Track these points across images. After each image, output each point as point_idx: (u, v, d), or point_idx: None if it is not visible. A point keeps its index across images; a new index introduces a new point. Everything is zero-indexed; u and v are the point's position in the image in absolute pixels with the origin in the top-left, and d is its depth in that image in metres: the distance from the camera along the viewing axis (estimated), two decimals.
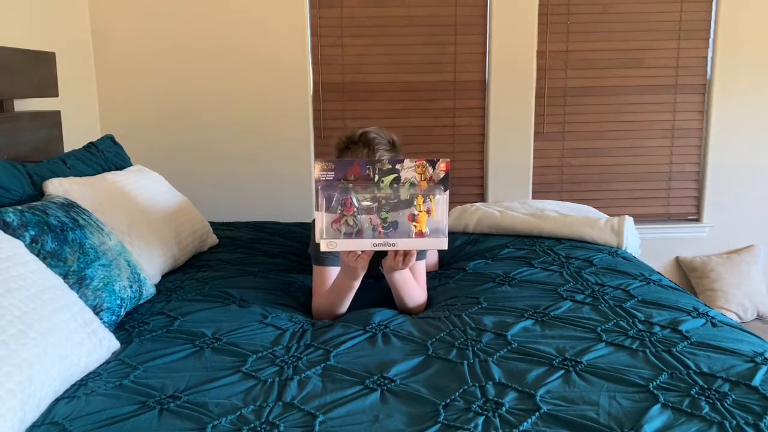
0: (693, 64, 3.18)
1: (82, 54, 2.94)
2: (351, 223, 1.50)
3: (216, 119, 3.10)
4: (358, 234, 1.49)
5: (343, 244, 1.49)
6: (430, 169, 1.54)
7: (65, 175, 1.92)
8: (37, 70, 2.32)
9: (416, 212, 1.51)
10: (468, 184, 3.25)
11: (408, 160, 1.54)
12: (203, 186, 3.11)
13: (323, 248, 1.48)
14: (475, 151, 3.22)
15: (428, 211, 1.52)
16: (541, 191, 3.27)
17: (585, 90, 3.20)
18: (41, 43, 2.50)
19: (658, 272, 1.95)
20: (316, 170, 1.51)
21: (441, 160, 1.54)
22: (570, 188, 3.28)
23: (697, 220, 3.35)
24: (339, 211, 1.50)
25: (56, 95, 2.45)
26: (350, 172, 1.52)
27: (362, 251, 1.54)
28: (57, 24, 2.70)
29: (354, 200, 1.50)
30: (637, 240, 2.31)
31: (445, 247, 1.52)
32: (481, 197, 3.26)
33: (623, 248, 2.20)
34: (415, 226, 1.51)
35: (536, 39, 3.11)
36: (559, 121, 3.22)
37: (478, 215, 2.40)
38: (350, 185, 1.51)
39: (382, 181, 1.52)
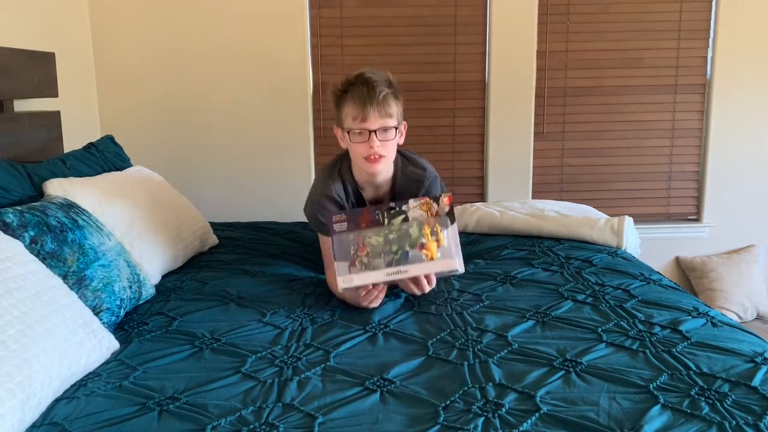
0: (693, 64, 3.18)
1: (82, 54, 2.94)
2: (365, 261, 1.56)
3: (216, 119, 3.10)
4: (375, 268, 1.56)
5: (358, 278, 1.55)
6: (435, 205, 1.61)
7: (65, 176, 1.92)
8: (37, 70, 2.32)
9: (425, 241, 1.56)
10: (468, 184, 3.25)
11: (412, 200, 1.61)
12: (203, 186, 3.11)
13: (341, 286, 1.55)
14: (475, 151, 3.22)
15: (437, 241, 1.57)
16: (541, 191, 3.27)
17: (585, 90, 3.20)
18: (41, 43, 2.50)
19: (657, 272, 1.95)
20: (332, 223, 1.58)
21: (443, 194, 1.61)
22: (570, 188, 3.28)
23: (697, 220, 3.35)
24: (353, 253, 1.57)
25: (56, 95, 2.45)
26: (362, 221, 1.59)
27: (376, 290, 1.60)
28: (57, 24, 2.70)
29: (367, 242, 1.57)
30: (637, 240, 2.31)
31: (457, 268, 1.58)
32: (481, 197, 3.26)
33: (623, 248, 2.20)
34: (425, 254, 1.57)
35: (536, 39, 3.11)
36: (559, 121, 3.22)
37: (477, 215, 2.40)
38: (362, 231, 1.59)
39: (392, 224, 1.58)
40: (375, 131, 1.68)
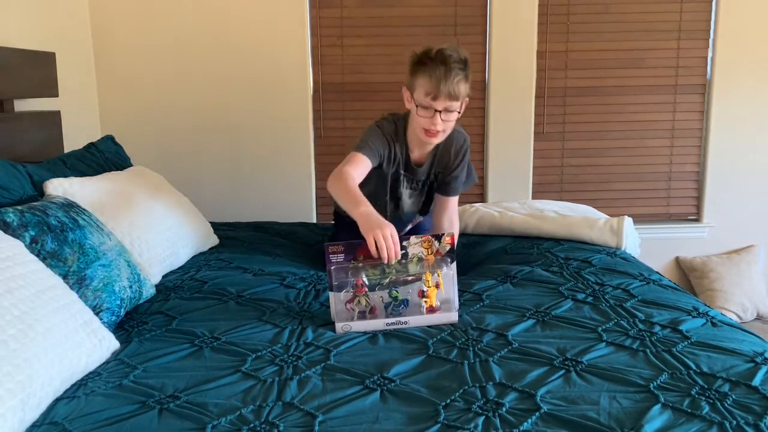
0: (693, 64, 3.18)
1: (82, 54, 2.94)
2: (364, 303, 1.56)
3: (216, 119, 3.10)
4: (372, 312, 1.56)
5: (357, 326, 1.55)
6: (436, 243, 1.61)
7: (65, 176, 1.92)
8: (37, 70, 2.32)
9: (425, 288, 1.57)
10: None
11: (414, 237, 1.60)
12: (203, 186, 3.11)
13: (338, 332, 1.53)
14: (475, 151, 3.22)
15: (437, 285, 1.58)
16: (541, 191, 3.27)
17: (585, 90, 3.20)
18: (41, 43, 2.50)
19: (657, 272, 1.95)
20: (328, 253, 1.56)
21: (446, 234, 1.61)
22: (570, 188, 3.28)
23: (697, 220, 3.35)
24: (351, 292, 1.56)
25: (56, 95, 2.45)
26: (359, 253, 1.58)
27: (391, 247, 1.54)
28: (57, 24, 2.70)
29: (364, 280, 1.57)
30: (637, 240, 2.31)
31: (455, 320, 1.57)
32: (481, 197, 3.26)
33: (622, 248, 2.20)
34: (425, 301, 1.57)
35: (536, 39, 3.11)
36: (559, 121, 3.22)
37: (477, 216, 2.40)
38: (360, 264, 1.57)
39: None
40: (440, 111, 1.78)
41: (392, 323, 1.55)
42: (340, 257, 1.57)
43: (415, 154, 1.97)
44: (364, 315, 1.55)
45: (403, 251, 1.58)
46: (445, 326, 1.55)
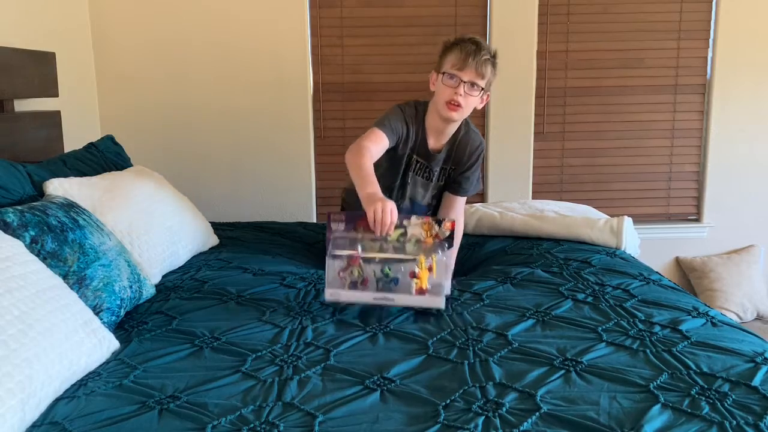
0: (693, 64, 3.18)
1: (82, 54, 2.94)
2: (356, 273, 1.59)
3: (216, 119, 3.10)
4: (363, 283, 1.58)
5: (345, 296, 1.59)
6: (436, 227, 1.63)
7: (65, 176, 1.92)
8: (37, 70, 2.32)
9: (417, 270, 1.59)
10: None
11: (415, 217, 1.63)
12: (203, 186, 3.11)
13: (327, 298, 1.58)
14: None
15: (430, 269, 1.59)
16: (541, 191, 3.27)
17: (585, 90, 3.20)
18: (41, 43, 2.50)
19: (657, 272, 1.96)
20: (330, 221, 1.61)
21: (447, 219, 1.64)
22: (570, 188, 3.28)
23: (697, 220, 3.35)
24: (346, 261, 1.59)
25: (56, 95, 2.45)
26: (360, 223, 1.60)
27: (388, 220, 1.57)
28: (57, 24, 2.70)
29: (360, 252, 1.59)
30: (637, 240, 2.31)
31: (441, 306, 1.59)
32: (481, 197, 3.26)
33: (622, 249, 2.20)
34: (416, 282, 1.59)
35: (536, 39, 3.11)
36: (559, 121, 3.22)
37: (477, 216, 2.40)
38: (359, 236, 1.60)
39: (390, 235, 1.59)
40: (465, 83, 1.85)
41: (380, 298, 1.58)
42: (341, 226, 1.61)
43: (432, 141, 2.00)
44: (356, 285, 1.58)
45: (403, 230, 1.60)
46: (434, 311, 1.57)
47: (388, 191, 1.96)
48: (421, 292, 1.58)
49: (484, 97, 1.93)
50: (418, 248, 1.61)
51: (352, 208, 2.09)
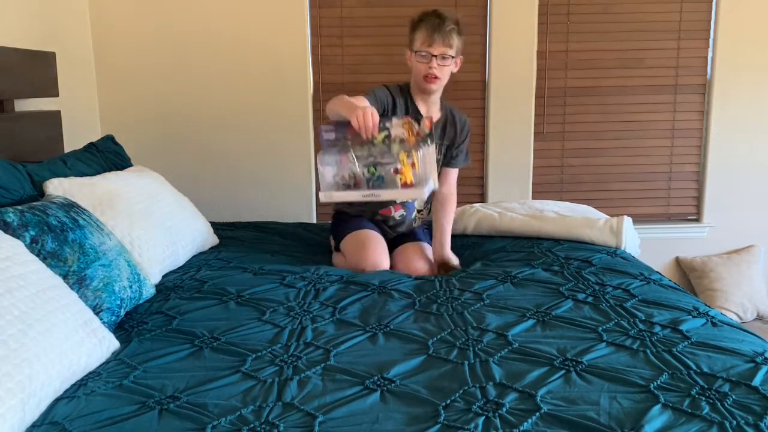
0: (693, 64, 3.18)
1: (82, 54, 2.94)
2: (347, 176, 1.75)
3: (216, 119, 3.10)
4: (356, 185, 1.74)
5: (337, 196, 1.77)
6: (416, 126, 1.79)
7: (65, 175, 1.92)
8: (37, 70, 2.32)
9: (400, 166, 1.75)
10: (468, 184, 3.24)
11: (395, 118, 1.81)
12: (203, 186, 3.11)
13: (322, 200, 1.76)
14: (475, 151, 3.21)
15: (413, 165, 1.74)
16: (541, 191, 3.27)
17: (585, 90, 3.20)
18: (41, 43, 2.50)
19: (657, 272, 1.96)
20: (321, 131, 1.77)
21: (425, 117, 1.81)
22: (570, 188, 3.28)
23: (697, 220, 3.35)
24: (336, 167, 1.75)
25: (56, 95, 2.45)
26: (348, 131, 1.76)
27: (369, 124, 1.73)
28: (57, 24, 2.70)
29: (351, 156, 1.75)
30: (637, 240, 2.31)
31: (424, 197, 1.80)
32: (481, 197, 3.25)
33: (622, 248, 2.20)
34: (400, 178, 1.75)
35: (536, 39, 3.11)
36: (559, 121, 3.22)
37: (477, 217, 2.39)
38: (348, 143, 1.76)
39: (376, 138, 1.76)
40: (436, 56, 2.03)
41: (368, 195, 1.75)
42: (332, 135, 1.77)
43: (424, 110, 2.16)
44: (349, 187, 1.73)
45: (386, 132, 1.77)
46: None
47: None
48: (405, 186, 1.73)
49: (458, 61, 2.11)
50: (403, 147, 1.76)
51: (342, 225, 2.21)
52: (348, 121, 1.73)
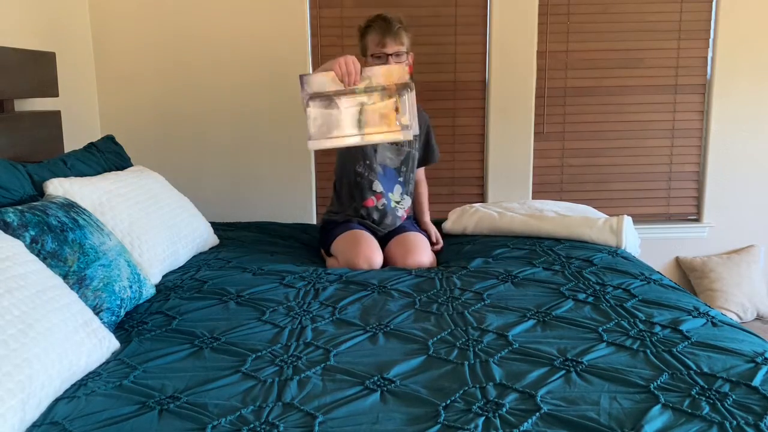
0: (693, 64, 3.18)
1: (82, 54, 2.94)
2: (332, 124, 1.88)
3: (216, 119, 3.10)
4: (342, 132, 1.88)
5: (325, 143, 1.90)
6: (396, 74, 1.92)
7: (65, 175, 1.92)
8: (37, 70, 2.32)
9: (384, 111, 1.87)
10: (468, 184, 3.25)
11: (376, 67, 1.94)
12: (203, 186, 3.11)
13: (310, 148, 1.89)
14: (475, 151, 3.22)
15: (396, 110, 1.87)
16: (541, 191, 3.27)
17: (585, 90, 3.20)
18: (41, 43, 2.50)
19: (658, 272, 1.95)
20: (303, 83, 1.89)
21: (404, 64, 1.95)
22: (570, 188, 3.28)
23: (697, 220, 3.35)
24: (322, 115, 1.87)
25: (56, 95, 2.45)
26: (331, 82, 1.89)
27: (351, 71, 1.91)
28: (57, 24, 2.70)
29: (335, 105, 1.88)
30: (637, 239, 2.31)
31: (408, 138, 1.95)
32: (481, 197, 3.25)
33: (622, 248, 2.20)
34: (384, 122, 1.87)
35: (536, 39, 3.11)
36: (559, 121, 3.22)
37: (476, 217, 2.40)
38: (331, 92, 1.88)
39: (358, 88, 1.88)
40: (391, 55, 2.14)
41: (354, 140, 1.90)
42: (314, 87, 1.89)
43: None
44: (334, 136, 1.87)
45: (368, 80, 1.90)
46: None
47: (359, 159, 2.24)
48: (390, 129, 1.86)
49: (410, 57, 2.23)
50: (384, 93, 1.88)
51: (331, 232, 2.25)
52: (330, 72, 1.89)
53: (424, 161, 2.44)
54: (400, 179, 2.31)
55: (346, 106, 1.86)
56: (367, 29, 2.21)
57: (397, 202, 2.31)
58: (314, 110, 1.86)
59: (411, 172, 2.34)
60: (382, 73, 1.91)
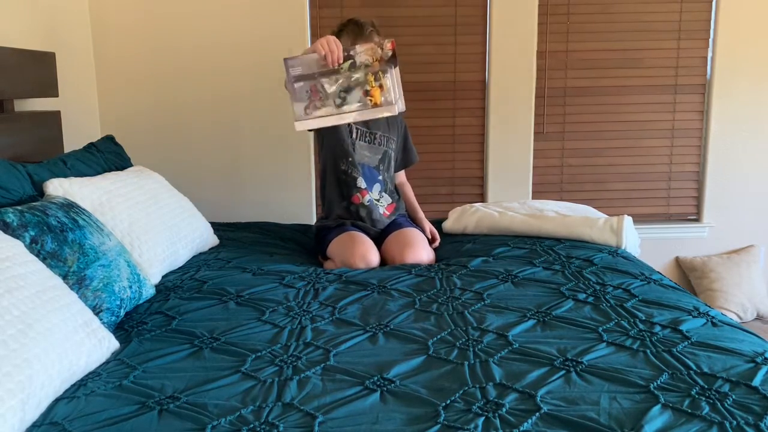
0: (693, 64, 3.18)
1: (82, 54, 2.94)
2: (319, 105, 1.91)
3: (216, 119, 3.10)
4: (327, 111, 1.90)
5: (312, 123, 1.93)
6: (379, 51, 1.93)
7: (65, 176, 1.92)
8: (37, 70, 2.32)
9: (368, 88, 1.89)
10: (468, 184, 3.25)
11: (359, 45, 1.95)
12: (203, 186, 3.11)
13: (297, 128, 1.92)
14: (475, 151, 3.22)
15: (381, 87, 1.89)
16: (541, 191, 3.27)
17: (585, 90, 3.20)
18: (41, 43, 2.50)
19: (658, 272, 1.95)
20: (288, 66, 1.93)
21: (387, 40, 1.94)
22: (570, 188, 3.28)
23: (697, 220, 3.35)
24: (308, 98, 1.90)
25: (56, 95, 2.45)
26: (314, 63, 1.91)
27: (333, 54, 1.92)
28: (57, 24, 2.70)
29: (319, 87, 1.91)
30: (637, 239, 2.31)
31: (394, 113, 1.96)
32: (481, 197, 3.25)
33: (623, 248, 2.20)
34: (369, 99, 1.90)
35: (536, 39, 3.11)
36: (559, 121, 3.22)
37: (477, 216, 2.40)
38: (316, 73, 1.91)
39: (342, 68, 1.91)
40: None
41: (340, 117, 1.93)
42: (298, 69, 1.93)
43: None
44: (321, 115, 1.90)
45: (352, 59, 1.91)
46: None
47: (342, 157, 2.26)
48: (375, 106, 1.88)
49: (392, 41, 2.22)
50: (368, 71, 1.90)
51: (325, 237, 2.27)
52: (314, 55, 1.91)
53: (404, 163, 2.47)
54: (379, 177, 2.34)
55: (331, 85, 1.89)
56: (339, 34, 2.22)
57: (377, 200, 2.33)
58: (298, 90, 1.90)
59: (388, 171, 2.36)
60: (365, 51, 1.93)
